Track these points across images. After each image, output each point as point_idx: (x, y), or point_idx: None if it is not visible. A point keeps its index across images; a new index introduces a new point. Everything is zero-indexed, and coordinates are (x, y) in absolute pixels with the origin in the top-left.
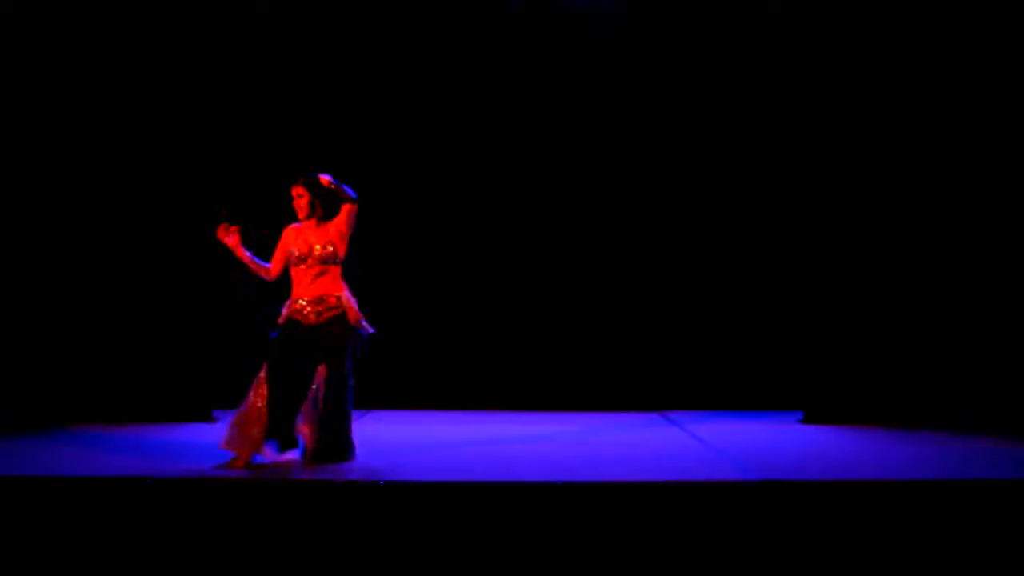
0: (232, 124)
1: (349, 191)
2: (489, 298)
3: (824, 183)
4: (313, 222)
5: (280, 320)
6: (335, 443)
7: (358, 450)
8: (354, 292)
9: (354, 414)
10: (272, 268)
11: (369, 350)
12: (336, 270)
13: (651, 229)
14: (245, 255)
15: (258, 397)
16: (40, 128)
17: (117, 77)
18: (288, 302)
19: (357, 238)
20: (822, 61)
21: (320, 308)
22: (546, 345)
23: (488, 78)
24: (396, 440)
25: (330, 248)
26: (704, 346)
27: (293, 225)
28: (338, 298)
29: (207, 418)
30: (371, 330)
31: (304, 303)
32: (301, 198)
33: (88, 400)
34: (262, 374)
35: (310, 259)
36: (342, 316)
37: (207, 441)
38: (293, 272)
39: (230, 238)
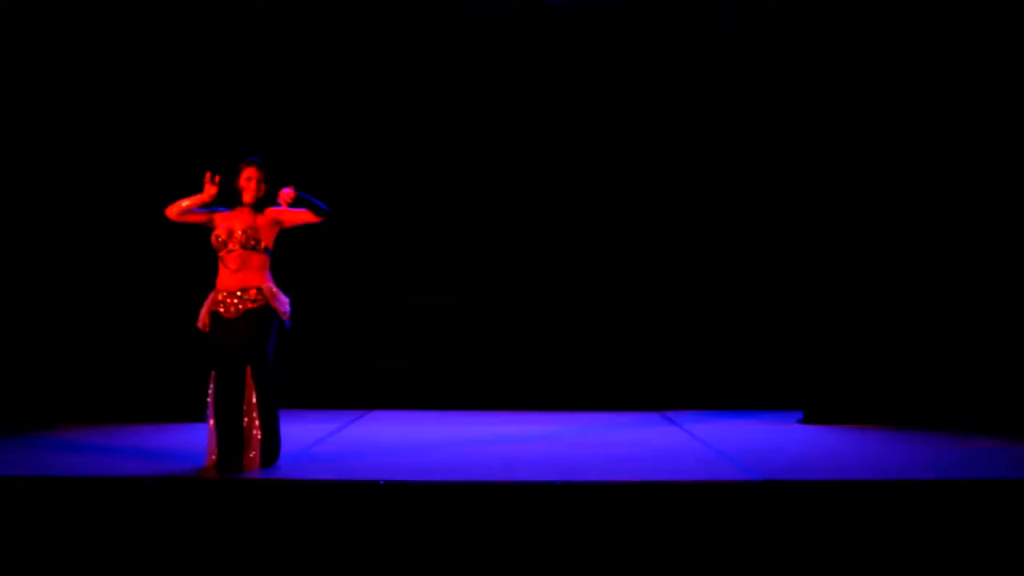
0: (222, 125)
1: (322, 205)
2: (489, 298)
3: (824, 183)
4: (249, 209)
5: (202, 315)
6: (264, 448)
7: (358, 451)
8: (353, 292)
9: (354, 414)
10: (180, 204)
11: (286, 346)
12: (260, 259)
13: (651, 229)
14: (197, 204)
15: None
16: (18, 127)
17: (107, 80)
18: (212, 293)
19: (358, 240)
20: (822, 59)
21: (238, 300)
22: (546, 345)
23: (479, 73)
24: (396, 440)
25: (251, 232)
26: (704, 346)
27: (225, 211)
28: (258, 289)
29: (206, 418)
30: (287, 324)
31: (226, 295)
32: (251, 181)
33: (86, 400)
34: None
35: (231, 243)
36: (261, 309)
37: (205, 441)
38: (218, 259)
39: (211, 189)
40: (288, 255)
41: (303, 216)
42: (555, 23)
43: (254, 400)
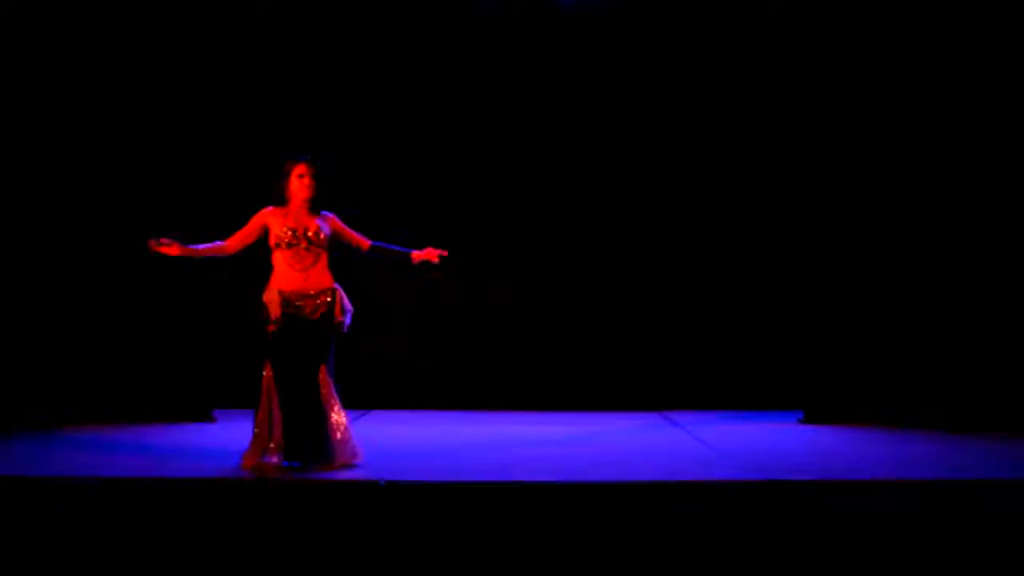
0: (226, 124)
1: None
2: (488, 297)
3: (824, 182)
4: (305, 207)
5: (271, 314)
6: (313, 443)
7: (357, 450)
8: (353, 292)
9: (355, 414)
10: (229, 244)
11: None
12: (327, 257)
13: (651, 228)
14: (193, 250)
15: (271, 403)
16: (19, 129)
17: (115, 78)
18: (272, 290)
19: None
20: (822, 58)
21: (317, 302)
22: (546, 345)
23: (487, 75)
24: (396, 440)
25: (324, 233)
26: (704, 346)
27: (271, 208)
28: (333, 291)
29: (207, 418)
30: (347, 325)
31: (299, 295)
32: (304, 178)
33: (88, 400)
34: (268, 377)
35: (304, 240)
36: (332, 312)
37: (207, 441)
38: (281, 256)
39: (171, 249)
40: None
41: (361, 241)
42: (558, 24)
43: (324, 393)
